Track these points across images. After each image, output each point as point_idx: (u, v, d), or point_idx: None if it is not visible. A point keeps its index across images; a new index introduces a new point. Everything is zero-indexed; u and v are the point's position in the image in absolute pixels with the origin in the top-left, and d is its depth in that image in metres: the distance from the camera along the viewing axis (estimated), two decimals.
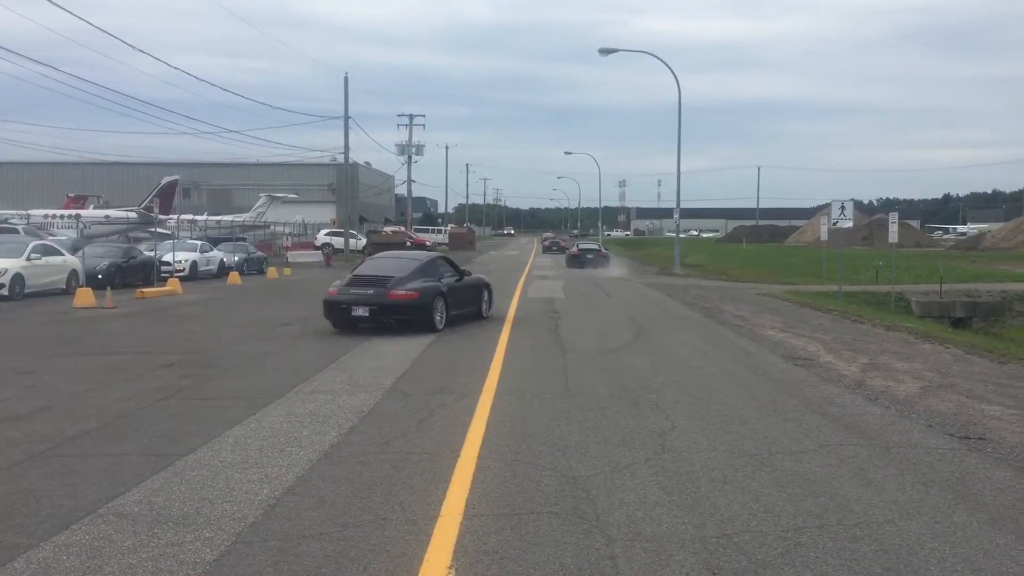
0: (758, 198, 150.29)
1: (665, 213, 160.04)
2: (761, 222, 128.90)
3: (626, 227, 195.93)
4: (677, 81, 45.76)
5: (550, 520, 5.90)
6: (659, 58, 46.68)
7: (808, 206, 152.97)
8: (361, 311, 16.58)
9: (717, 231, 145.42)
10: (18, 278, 23.88)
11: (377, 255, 21.17)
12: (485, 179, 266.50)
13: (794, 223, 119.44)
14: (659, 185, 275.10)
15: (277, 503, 6.21)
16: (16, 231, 36.05)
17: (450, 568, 5.03)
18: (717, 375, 12.25)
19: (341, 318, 16.94)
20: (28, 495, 6.36)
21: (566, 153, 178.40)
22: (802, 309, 23.78)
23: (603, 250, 51.22)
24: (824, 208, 47.75)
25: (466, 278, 19.02)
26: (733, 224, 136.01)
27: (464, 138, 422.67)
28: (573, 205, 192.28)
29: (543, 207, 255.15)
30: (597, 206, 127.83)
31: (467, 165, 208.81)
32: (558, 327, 18.28)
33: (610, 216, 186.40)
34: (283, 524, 5.77)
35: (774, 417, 9.41)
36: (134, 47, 61.38)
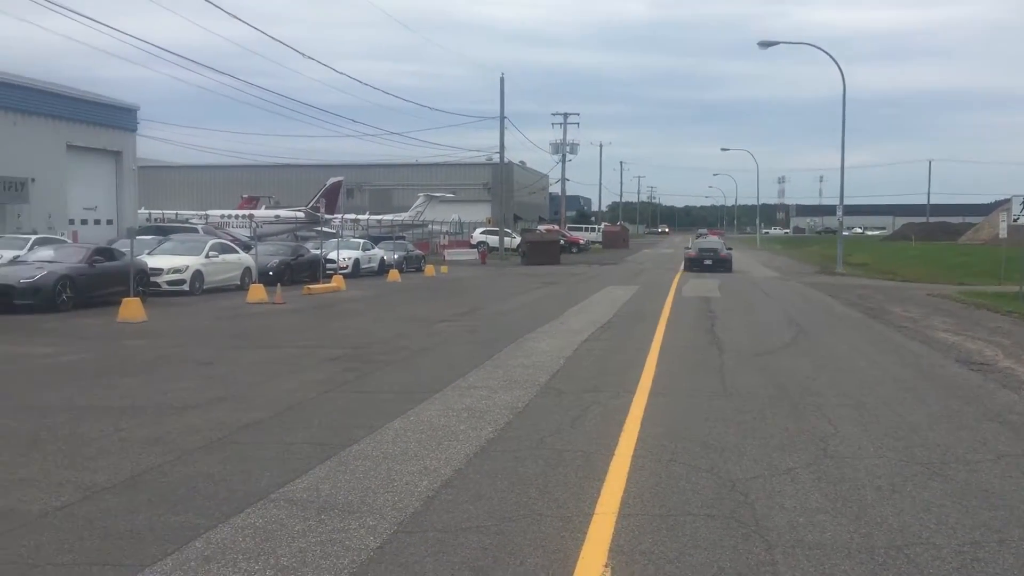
0: (929, 194, 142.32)
1: (827, 210, 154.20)
2: (932, 219, 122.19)
3: (785, 225, 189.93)
4: (842, 72, 44.04)
5: (707, 522, 5.80)
6: (822, 49, 45.10)
7: (984, 202, 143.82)
8: (707, 262, 41.44)
9: (884, 228, 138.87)
10: (198, 274, 25.47)
11: (698, 239, 41.24)
12: (639, 177, 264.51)
13: (969, 220, 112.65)
14: (820, 181, 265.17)
15: (436, 495, 6.37)
16: (196, 230, 38.45)
17: (606, 567, 5.02)
18: (883, 379, 11.70)
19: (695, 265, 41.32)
20: (207, 479, 6.78)
21: (722, 150, 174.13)
22: (978, 311, 22.38)
23: (725, 251, 43.62)
24: (1003, 204, 44.63)
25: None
26: (901, 221, 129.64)
27: (618, 136, 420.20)
28: (729, 202, 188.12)
29: (698, 204, 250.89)
30: (754, 203, 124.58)
31: (621, 163, 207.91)
32: (714, 326, 17.93)
33: (768, 213, 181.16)
34: (442, 516, 5.91)
35: (947, 424, 8.91)
36: (303, 54, 64.51)
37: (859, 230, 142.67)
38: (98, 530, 5.60)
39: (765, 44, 44.46)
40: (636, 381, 11.23)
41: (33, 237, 28.55)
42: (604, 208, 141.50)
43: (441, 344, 15.23)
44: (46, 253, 22.32)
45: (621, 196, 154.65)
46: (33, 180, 38.47)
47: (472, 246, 59.81)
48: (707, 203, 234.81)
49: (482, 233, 66.31)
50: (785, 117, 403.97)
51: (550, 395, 10.29)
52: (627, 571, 4.96)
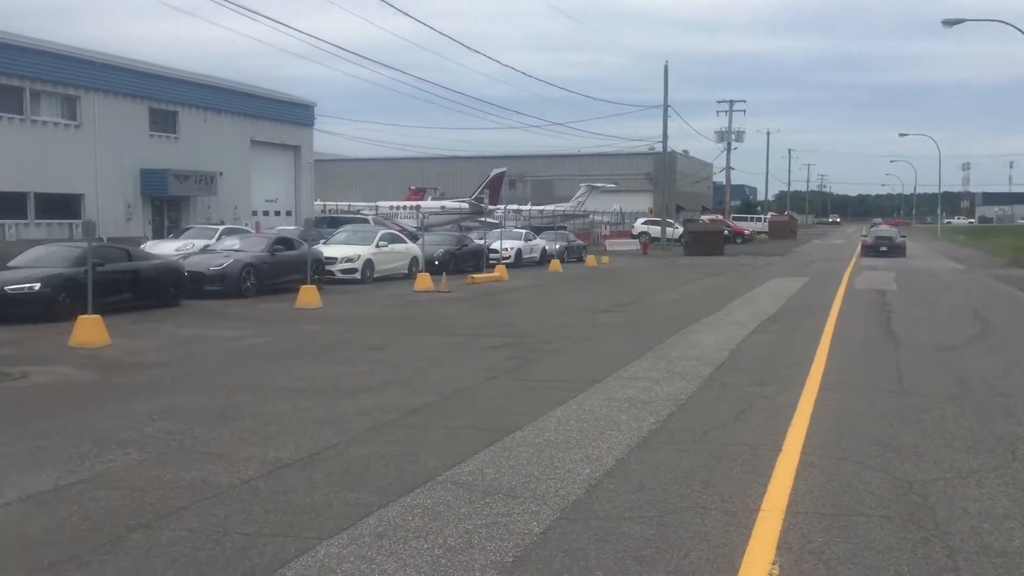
0: None
1: (1017, 198, 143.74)
2: None
3: (970, 214, 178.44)
4: None
5: (882, 524, 5.56)
6: (1013, 26, 41.93)
7: None
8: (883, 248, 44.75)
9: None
10: (369, 263, 26.49)
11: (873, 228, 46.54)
12: (808, 165, 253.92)
13: None
14: (1010, 167, 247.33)
15: (598, 484, 6.40)
16: (367, 221, 39.96)
17: (773, 564, 4.90)
18: None
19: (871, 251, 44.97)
20: (379, 459, 7.06)
21: (900, 135, 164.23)
22: None
23: (899, 238, 47.60)
24: None
25: None
26: None
27: (786, 123, 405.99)
28: (907, 191, 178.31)
29: (872, 193, 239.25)
30: (935, 191, 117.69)
31: (789, 151, 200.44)
32: (890, 320, 17.11)
33: (951, 202, 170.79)
34: (604, 505, 5.93)
35: None
36: (469, 47, 65.71)
37: None
38: (280, 503, 5.94)
39: (950, 22, 41.83)
40: (805, 375, 10.87)
41: (221, 227, 30.47)
42: (771, 197, 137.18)
43: (602, 334, 15.24)
44: (232, 243, 23.79)
45: (789, 185, 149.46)
46: (221, 174, 41.04)
47: (633, 236, 59.34)
48: (883, 191, 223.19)
49: (644, 223, 65.71)
50: (969, 100, 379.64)
51: (714, 388, 10.11)
52: (796, 570, 4.84)
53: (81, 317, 13.38)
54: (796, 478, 6.53)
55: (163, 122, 39.71)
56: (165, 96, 39.41)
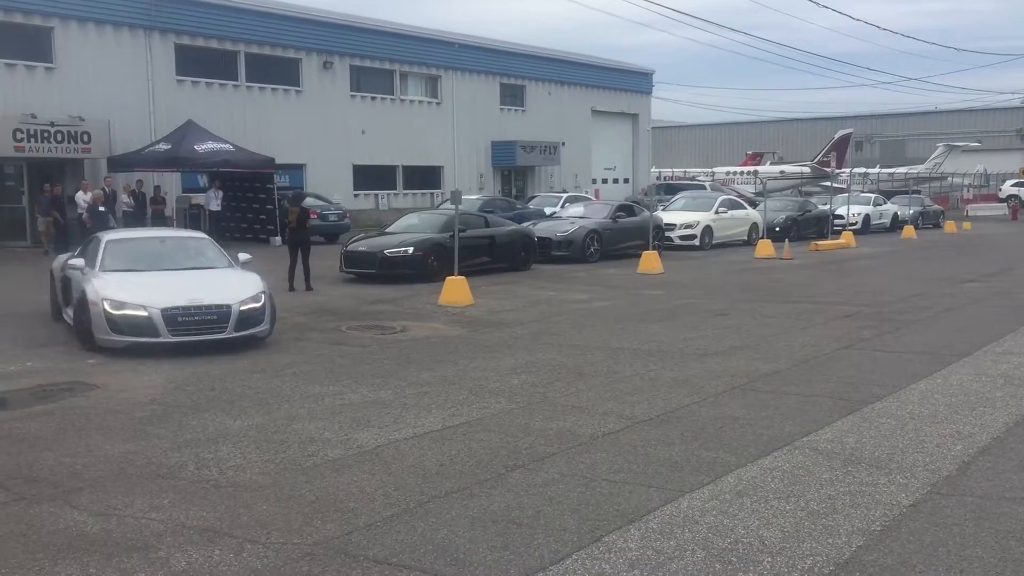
0: None
1: None
2: None
3: None
4: None
5: None
6: None
7: None
8: None
9: None
10: (707, 230, 26.37)
11: None
12: None
13: None
14: None
15: (972, 461, 6.05)
16: (703, 187, 39.70)
17: None
18: None
19: None
20: (733, 421, 7.17)
21: None
22: None
23: None
24: None
25: None
26: None
27: None
28: None
29: None
30: None
31: None
32: None
33: None
34: (981, 482, 5.61)
35: None
36: (816, 3, 62.43)
37: None
38: (640, 456, 6.26)
39: None
40: None
41: (565, 195, 31.83)
42: None
43: (968, 305, 14.08)
44: (577, 210, 24.79)
45: None
46: (563, 143, 42.76)
47: (1000, 200, 53.54)
48: None
49: (1013, 186, 58.96)
50: None
51: None
52: None
53: (449, 278, 14.73)
54: None
55: (511, 96, 42.11)
56: (513, 71, 41.72)
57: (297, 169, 32.29)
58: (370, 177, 35.59)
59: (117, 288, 10.30)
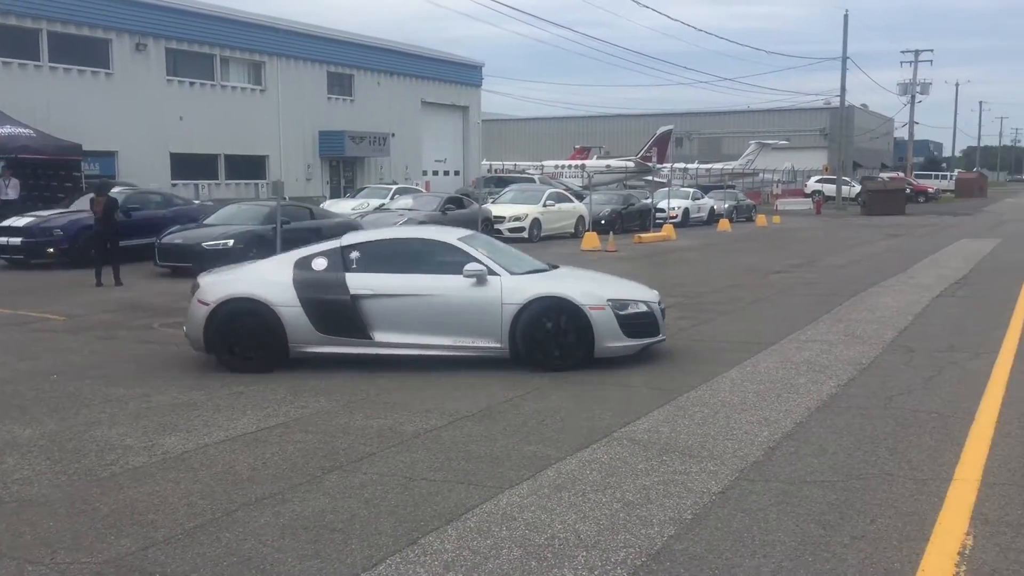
0: None
1: None
2: None
3: None
4: None
5: None
6: None
7: None
8: None
9: None
10: (536, 222, 26.74)
11: None
12: (1001, 118, 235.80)
13: None
14: None
15: (777, 446, 6.30)
16: (533, 180, 40.26)
17: (967, 534, 4.71)
18: None
19: None
20: (554, 413, 7.20)
21: None
22: None
23: None
24: None
25: None
26: None
27: (978, 73, 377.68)
28: None
29: None
30: None
31: (980, 103, 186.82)
32: None
33: None
34: (784, 467, 5.84)
35: None
36: (638, 2, 64.51)
37: None
38: (462, 453, 6.18)
39: None
40: (999, 341, 10.25)
41: (395, 187, 31.49)
42: (958, 153, 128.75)
43: (777, 295, 14.85)
44: (406, 202, 24.56)
45: (979, 140, 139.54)
46: (393, 135, 42.32)
47: (806, 195, 57.19)
48: None
49: (817, 182, 63.16)
50: None
51: (898, 352, 9.70)
52: (992, 542, 4.63)
53: None
54: (992, 448, 6.22)
55: (339, 85, 41.27)
56: (341, 60, 40.90)
57: (108, 156, 30.42)
58: (190, 166, 34.00)
59: None
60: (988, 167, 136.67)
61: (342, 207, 26.88)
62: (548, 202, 28.00)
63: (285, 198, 25.64)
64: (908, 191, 55.34)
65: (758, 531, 4.78)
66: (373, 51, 42.75)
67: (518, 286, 8.88)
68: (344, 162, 41.18)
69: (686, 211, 35.65)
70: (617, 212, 31.04)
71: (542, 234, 26.90)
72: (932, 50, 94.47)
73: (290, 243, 16.53)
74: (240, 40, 35.99)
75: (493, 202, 28.01)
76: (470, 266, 8.82)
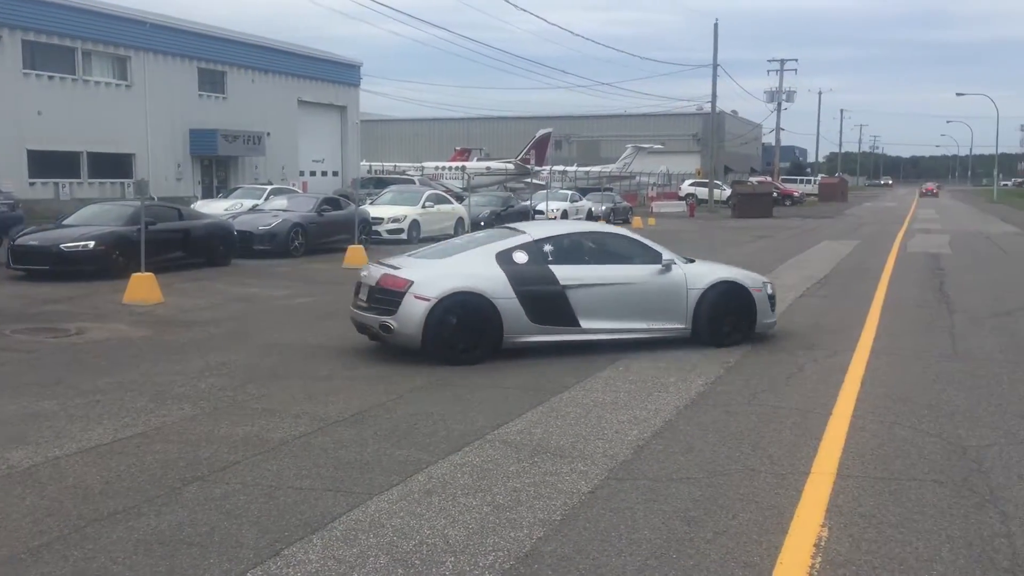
0: None
1: None
2: None
3: None
4: None
5: (934, 489, 5.50)
6: None
7: None
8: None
9: None
10: (415, 224, 26.54)
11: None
12: (861, 125, 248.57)
13: None
14: None
15: (646, 444, 6.40)
16: (412, 182, 40.02)
17: (823, 526, 4.88)
18: None
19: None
20: (427, 417, 7.13)
21: (957, 95, 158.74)
22: None
23: (936, 188, 50.38)
24: None
25: None
26: None
27: (840, 83, 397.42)
28: (963, 152, 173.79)
29: (927, 155, 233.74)
30: (992, 153, 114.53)
31: (841, 111, 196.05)
32: (943, 284, 16.78)
33: (1009, 164, 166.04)
34: (652, 465, 5.93)
35: None
36: (516, 6, 65.20)
37: None
38: (331, 459, 6.03)
39: None
40: (856, 339, 10.73)
41: (269, 187, 30.73)
42: (821, 159, 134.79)
43: None
44: (281, 203, 23.97)
45: (841, 146, 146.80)
46: (269, 134, 41.33)
47: (680, 198, 58.75)
48: (937, 152, 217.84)
49: (691, 185, 65.03)
50: None
51: (763, 351, 10.02)
52: (846, 533, 4.81)
53: (135, 275, 13.62)
54: (847, 442, 6.48)
55: (212, 82, 40.03)
56: (214, 56, 39.69)
57: None
58: (50, 164, 32.37)
59: None
60: (849, 172, 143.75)
61: (214, 208, 26.06)
62: (427, 203, 27.84)
63: (153, 197, 24.81)
64: (775, 195, 57.56)
65: (625, 530, 4.82)
66: (247, 48, 41.66)
67: (697, 273, 10.13)
68: (217, 161, 39.98)
69: (565, 213, 36.08)
70: (496, 214, 31.12)
71: (421, 236, 26.69)
72: (797, 60, 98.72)
73: (156, 245, 15.96)
74: (104, 33, 34.48)
75: (372, 203, 27.68)
76: (665, 256, 10.05)
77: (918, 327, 11.84)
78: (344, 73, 48.44)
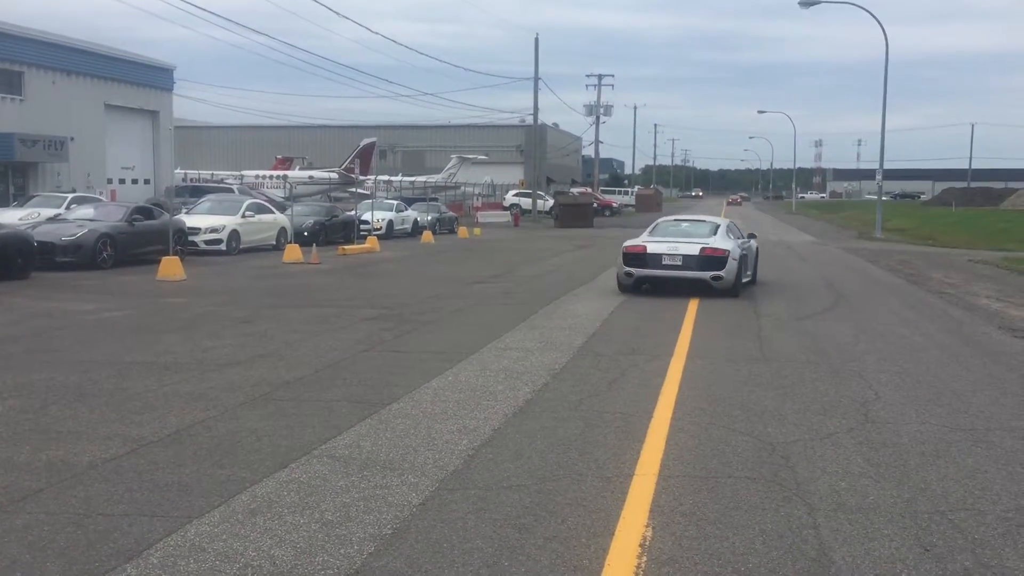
0: (971, 158, 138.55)
1: (864, 175, 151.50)
2: (973, 184, 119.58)
3: (821, 189, 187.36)
4: (885, 34, 43.03)
5: (748, 485, 5.79)
6: (865, 9, 44.03)
7: None
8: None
9: (923, 193, 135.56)
10: (235, 234, 25.66)
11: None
12: (673, 140, 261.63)
13: (1012, 185, 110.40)
14: (859, 145, 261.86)
15: (476, 454, 6.41)
16: (232, 190, 38.65)
17: (647, 526, 5.04)
18: (925, 345, 11.57)
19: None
20: (251, 434, 6.87)
21: (759, 112, 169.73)
22: (1021, 277, 22.02)
23: (741, 199, 55.48)
24: None
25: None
26: (941, 186, 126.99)
27: (653, 98, 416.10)
28: (765, 166, 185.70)
29: (733, 168, 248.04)
30: (790, 167, 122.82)
31: (655, 126, 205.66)
32: (751, 291, 17.79)
33: (804, 178, 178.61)
34: (483, 474, 5.95)
35: (991, 391, 8.80)
36: (339, 14, 64.24)
37: (895, 196, 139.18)
38: (146, 482, 5.70)
39: (806, 3, 43.58)
40: (673, 344, 11.19)
41: (70, 196, 28.86)
42: (637, 171, 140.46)
43: (476, 305, 15.27)
44: (86, 212, 22.58)
45: (655, 159, 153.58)
46: (72, 139, 38.81)
47: (505, 208, 59.64)
48: (742, 167, 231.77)
49: (515, 195, 66.12)
50: (824, 79, 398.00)
51: (587, 357, 10.29)
52: (668, 531, 4.98)
53: None
54: (667, 443, 6.73)
55: (7, 83, 37.24)
56: (9, 55, 36.93)
57: None
58: None
59: None
60: (663, 184, 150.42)
61: (8, 217, 24.22)
62: (247, 213, 26.98)
63: None
64: (595, 205, 59.43)
65: (457, 540, 4.81)
66: (47, 47, 38.99)
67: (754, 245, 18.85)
68: (14, 168, 37.18)
69: (390, 223, 35.89)
70: (321, 224, 30.57)
71: (241, 246, 25.87)
72: (613, 75, 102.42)
73: None
74: None
75: (188, 212, 26.54)
76: (751, 233, 18.90)
77: (729, 331, 12.48)
78: (155, 76, 46.19)
